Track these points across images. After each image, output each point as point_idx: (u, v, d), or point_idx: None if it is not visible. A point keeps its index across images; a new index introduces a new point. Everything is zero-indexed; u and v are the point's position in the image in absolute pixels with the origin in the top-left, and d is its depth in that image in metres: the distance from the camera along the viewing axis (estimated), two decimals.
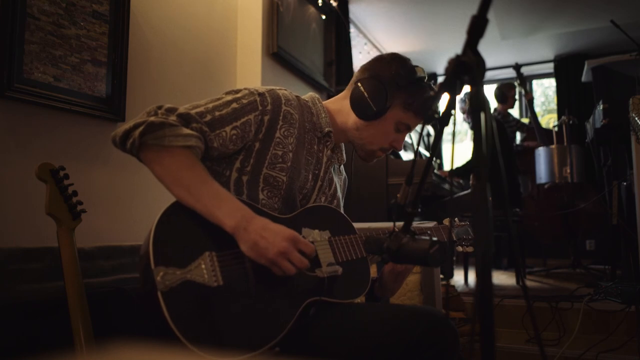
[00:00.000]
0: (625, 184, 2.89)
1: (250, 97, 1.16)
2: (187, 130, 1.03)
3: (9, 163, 1.58)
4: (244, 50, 2.81)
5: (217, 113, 1.10)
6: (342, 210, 1.39)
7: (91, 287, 1.48)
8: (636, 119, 2.33)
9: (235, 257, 1.01)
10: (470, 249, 1.42)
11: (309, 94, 1.35)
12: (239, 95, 1.16)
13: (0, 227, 1.54)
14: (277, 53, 2.85)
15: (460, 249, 1.42)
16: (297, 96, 1.29)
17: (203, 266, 0.96)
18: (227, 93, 1.18)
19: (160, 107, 1.05)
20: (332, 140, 1.31)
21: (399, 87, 1.23)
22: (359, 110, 1.24)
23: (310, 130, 1.27)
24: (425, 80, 1.27)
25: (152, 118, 1.01)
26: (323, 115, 1.30)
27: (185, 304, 0.92)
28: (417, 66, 1.27)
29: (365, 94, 1.23)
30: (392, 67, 1.24)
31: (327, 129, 1.29)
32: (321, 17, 3.51)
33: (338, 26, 3.70)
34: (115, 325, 1.37)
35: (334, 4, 3.54)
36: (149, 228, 0.98)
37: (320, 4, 3.44)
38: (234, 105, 1.13)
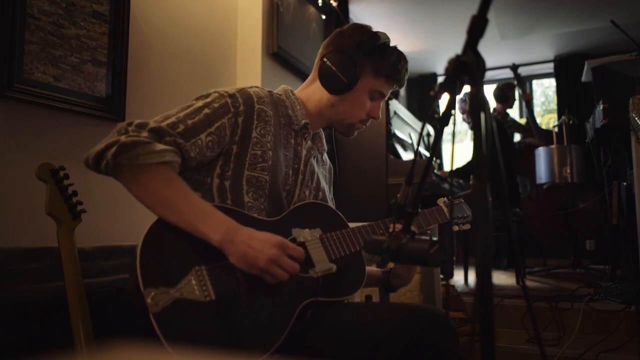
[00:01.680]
0: (625, 184, 2.89)
1: (221, 100, 1.14)
2: (161, 146, 1.01)
3: (9, 163, 1.58)
4: (244, 50, 2.81)
5: (189, 121, 1.08)
6: (330, 200, 1.38)
7: (91, 287, 1.48)
8: (636, 119, 2.32)
9: (225, 269, 1.00)
10: (467, 227, 1.41)
11: (281, 87, 1.33)
12: (209, 99, 1.14)
13: (0, 227, 1.54)
14: (277, 53, 2.85)
15: (456, 227, 1.41)
16: (269, 91, 1.27)
17: (194, 282, 0.96)
18: (197, 99, 1.16)
19: (130, 124, 1.03)
20: (310, 132, 1.29)
21: (365, 55, 1.22)
22: (330, 86, 1.24)
23: (285, 125, 1.25)
24: (390, 44, 1.27)
25: (123, 138, 0.98)
26: (298, 107, 1.28)
27: (179, 323, 0.91)
28: (379, 32, 1.26)
29: (333, 67, 1.21)
30: (354, 36, 1.24)
31: (303, 121, 1.27)
32: (321, 17, 3.51)
33: (338, 26, 3.68)
34: (115, 325, 1.37)
35: (334, 4, 3.54)
36: (143, 235, 0.97)
37: (320, 4, 3.44)
38: (206, 110, 1.11)
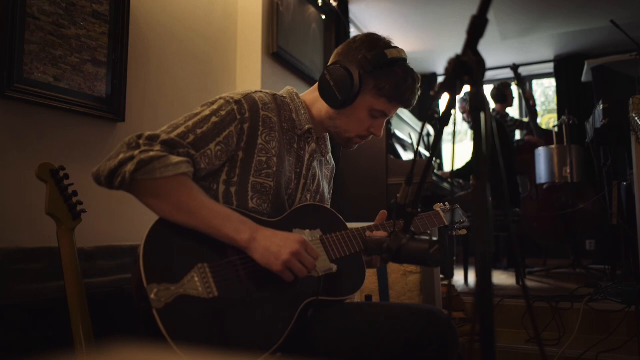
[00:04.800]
0: (625, 184, 2.90)
1: (228, 107, 1.13)
2: (176, 158, 1.01)
3: (9, 163, 1.58)
4: (244, 51, 2.81)
5: (198, 131, 1.07)
6: (329, 199, 1.39)
7: (91, 287, 1.48)
8: (636, 119, 2.33)
9: (227, 266, 1.01)
10: (463, 232, 1.42)
11: (286, 89, 1.31)
12: (215, 107, 1.13)
13: (0, 227, 1.54)
14: (277, 53, 2.85)
15: (453, 232, 1.42)
16: (273, 95, 1.25)
17: (196, 279, 0.96)
18: (203, 106, 1.15)
19: (140, 137, 1.02)
20: (314, 136, 1.28)
21: (367, 72, 1.17)
22: (328, 100, 1.22)
23: (288, 130, 1.24)
24: (401, 62, 1.20)
25: (137, 154, 0.98)
26: (302, 112, 1.27)
27: (182, 319, 0.92)
28: (392, 47, 1.21)
29: (331, 82, 1.20)
30: (360, 51, 1.20)
31: (307, 127, 1.26)
32: (321, 17, 3.51)
33: (338, 26, 3.70)
34: (115, 325, 1.37)
35: (334, 4, 3.54)
36: (146, 231, 0.97)
37: (320, 4, 3.44)
38: (214, 119, 1.10)
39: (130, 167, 0.96)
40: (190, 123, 1.08)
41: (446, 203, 1.43)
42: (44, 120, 1.69)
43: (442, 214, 1.38)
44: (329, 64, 1.26)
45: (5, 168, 1.57)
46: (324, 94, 1.22)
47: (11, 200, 1.58)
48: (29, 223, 1.59)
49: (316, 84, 1.29)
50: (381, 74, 1.18)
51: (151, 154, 0.98)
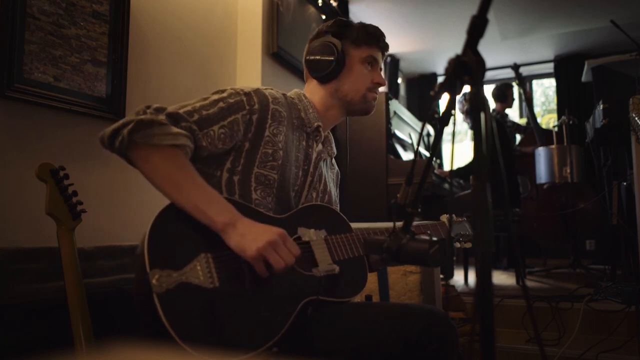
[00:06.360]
0: (625, 184, 2.90)
1: (236, 97, 1.17)
2: (176, 129, 1.03)
3: (9, 163, 1.58)
4: (244, 51, 2.81)
5: (204, 112, 1.10)
6: (337, 204, 1.39)
7: (91, 287, 1.48)
8: (636, 119, 2.33)
9: (231, 258, 1.01)
10: (468, 245, 1.43)
11: (293, 91, 1.35)
12: (224, 94, 1.17)
13: (0, 227, 1.54)
14: (277, 53, 2.85)
15: (458, 245, 1.42)
16: (283, 94, 1.29)
17: (199, 267, 0.96)
18: (214, 93, 1.18)
19: (148, 107, 1.05)
20: (322, 134, 1.32)
21: (338, 35, 1.31)
22: (322, 71, 1.30)
23: (298, 127, 1.27)
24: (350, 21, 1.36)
25: (141, 116, 1.01)
26: (311, 110, 1.30)
27: (181, 306, 0.92)
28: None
29: (318, 56, 1.31)
30: (321, 30, 1.35)
31: (316, 124, 1.29)
32: (321, 17, 3.51)
33: None
34: (115, 325, 1.37)
35: (334, 4, 3.54)
36: (145, 229, 0.97)
37: (320, 4, 3.44)
38: (221, 104, 1.14)
39: (130, 126, 0.99)
40: (197, 104, 1.12)
41: (453, 215, 1.43)
42: (44, 120, 1.69)
43: (447, 225, 1.39)
44: (304, 60, 1.37)
45: (5, 168, 1.57)
46: (316, 71, 1.31)
47: (11, 200, 1.58)
48: (29, 223, 1.59)
49: (305, 85, 1.38)
50: (347, 31, 1.32)
51: (152, 117, 1.01)
